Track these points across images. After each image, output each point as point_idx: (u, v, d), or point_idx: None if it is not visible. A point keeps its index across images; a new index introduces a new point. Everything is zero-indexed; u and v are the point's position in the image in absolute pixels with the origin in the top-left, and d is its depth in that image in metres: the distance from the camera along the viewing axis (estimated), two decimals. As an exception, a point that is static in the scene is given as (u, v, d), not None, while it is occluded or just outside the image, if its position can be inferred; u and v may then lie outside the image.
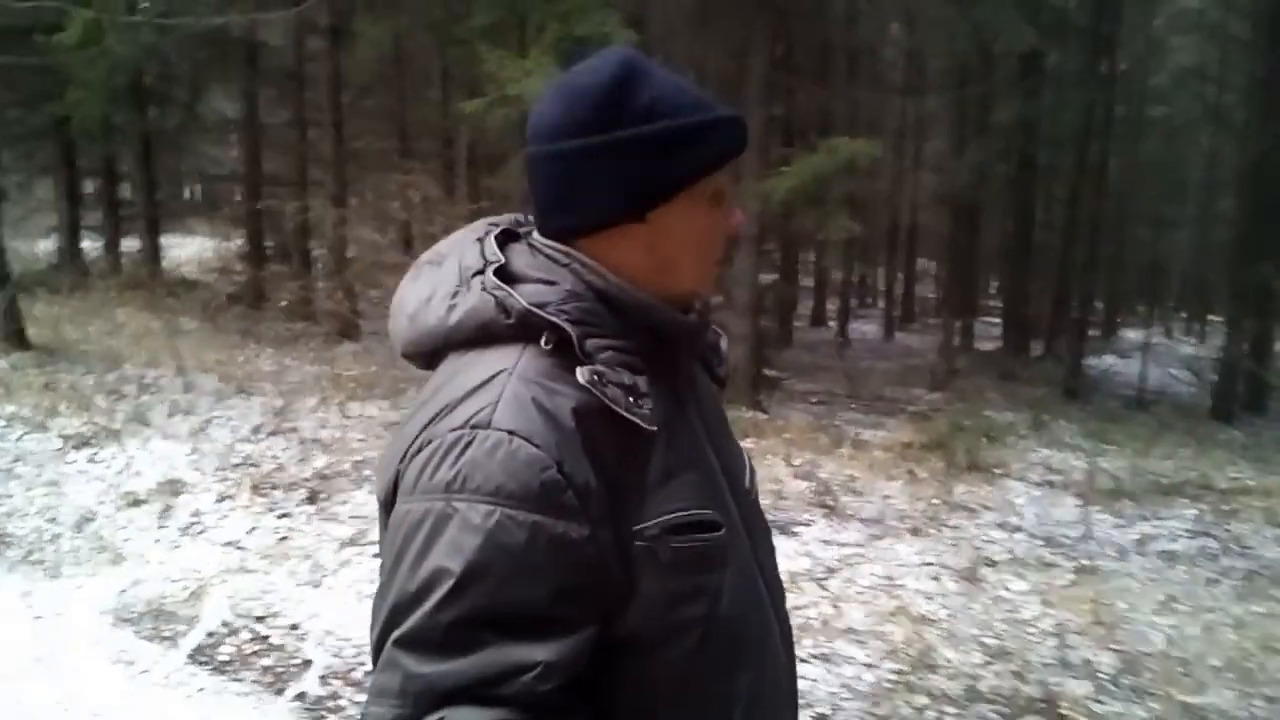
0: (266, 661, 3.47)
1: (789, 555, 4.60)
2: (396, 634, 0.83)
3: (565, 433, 0.87)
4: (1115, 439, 9.56)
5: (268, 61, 13.94)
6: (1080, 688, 3.57)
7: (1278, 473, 8.39)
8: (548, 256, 0.97)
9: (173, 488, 5.23)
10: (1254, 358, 12.89)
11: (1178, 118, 19.82)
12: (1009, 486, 6.80)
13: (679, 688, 0.93)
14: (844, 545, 5.02)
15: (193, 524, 4.78)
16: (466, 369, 0.93)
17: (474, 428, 0.86)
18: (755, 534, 1.07)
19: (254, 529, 4.74)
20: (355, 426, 6.91)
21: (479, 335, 0.94)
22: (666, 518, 0.91)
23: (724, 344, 1.15)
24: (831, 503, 5.69)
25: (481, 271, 0.95)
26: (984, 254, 18.99)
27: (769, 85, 8.73)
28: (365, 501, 5.23)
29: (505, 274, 0.95)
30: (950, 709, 3.37)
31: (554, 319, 0.90)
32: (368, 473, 5.74)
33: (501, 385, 0.89)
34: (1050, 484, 7.14)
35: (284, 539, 4.63)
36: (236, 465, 5.73)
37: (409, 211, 8.21)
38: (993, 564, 4.94)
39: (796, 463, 6.65)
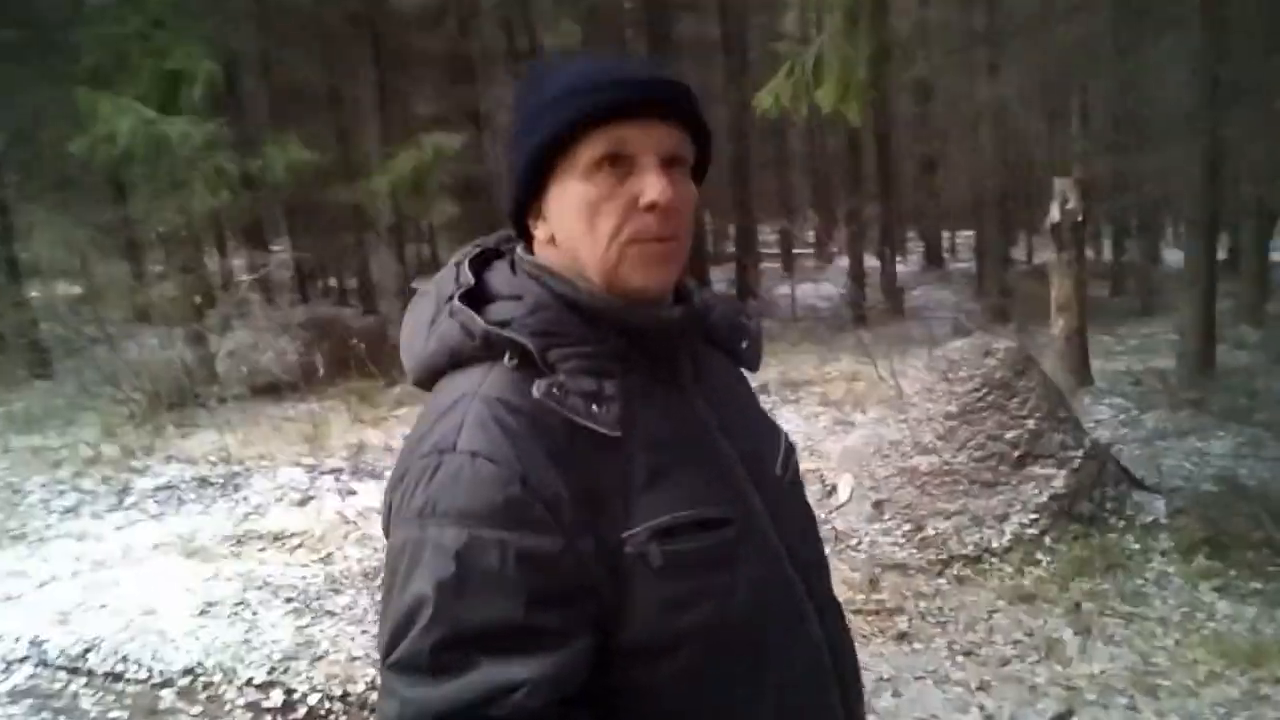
0: None
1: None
2: (390, 660, 0.84)
3: (529, 447, 0.85)
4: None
5: None
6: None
7: (782, 363, 9.94)
8: (526, 272, 0.97)
9: None
10: (884, 271, 15.38)
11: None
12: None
13: (691, 696, 0.90)
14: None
15: None
16: (441, 394, 0.93)
17: (440, 452, 0.86)
18: (784, 521, 1.00)
19: None
20: None
21: (453, 359, 0.94)
22: (654, 522, 0.87)
23: (752, 325, 1.11)
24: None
25: (453, 297, 0.96)
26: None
27: (379, 91, 9.70)
28: None
29: (481, 295, 0.96)
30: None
31: (513, 335, 0.90)
32: None
33: (465, 408, 0.88)
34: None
35: None
36: None
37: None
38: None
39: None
